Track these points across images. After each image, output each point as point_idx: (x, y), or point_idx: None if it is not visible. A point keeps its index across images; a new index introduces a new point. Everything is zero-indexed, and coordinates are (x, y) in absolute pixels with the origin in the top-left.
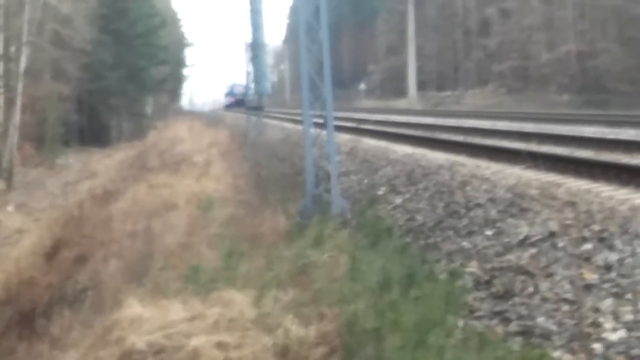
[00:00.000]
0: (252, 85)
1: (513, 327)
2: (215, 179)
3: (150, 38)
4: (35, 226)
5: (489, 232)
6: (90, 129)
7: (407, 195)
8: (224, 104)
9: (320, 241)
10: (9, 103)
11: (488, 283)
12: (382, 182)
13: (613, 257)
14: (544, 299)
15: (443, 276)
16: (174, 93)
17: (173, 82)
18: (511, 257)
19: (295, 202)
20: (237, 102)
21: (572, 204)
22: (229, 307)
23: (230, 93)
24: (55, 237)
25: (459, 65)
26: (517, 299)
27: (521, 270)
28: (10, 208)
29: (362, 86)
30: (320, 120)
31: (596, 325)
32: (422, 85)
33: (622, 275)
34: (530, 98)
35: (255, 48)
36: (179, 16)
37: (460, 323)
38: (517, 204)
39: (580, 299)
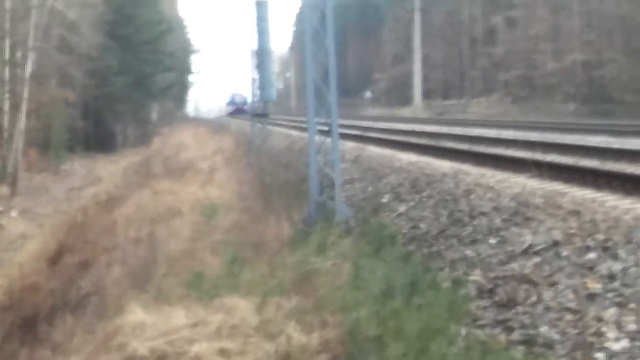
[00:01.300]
0: (257, 92)
1: (516, 335)
2: (219, 185)
3: (156, 44)
4: (39, 231)
5: (492, 241)
6: (96, 135)
7: (411, 203)
8: (226, 112)
9: (323, 248)
10: (15, 108)
11: (491, 292)
12: (386, 190)
13: (617, 266)
14: (547, 308)
15: (446, 284)
16: (180, 100)
17: (179, 89)
18: (515, 265)
19: (299, 209)
20: (237, 110)
21: (576, 213)
22: (232, 314)
23: (231, 102)
24: (59, 243)
25: (465, 73)
26: (520, 308)
27: (524, 279)
28: (14, 213)
29: (368, 94)
30: (325, 128)
31: (599, 334)
32: (427, 94)
33: (626, 285)
34: (536, 107)
35: (261, 55)
36: (186, 22)
37: (463, 331)
38: (521, 212)
39: (584, 308)
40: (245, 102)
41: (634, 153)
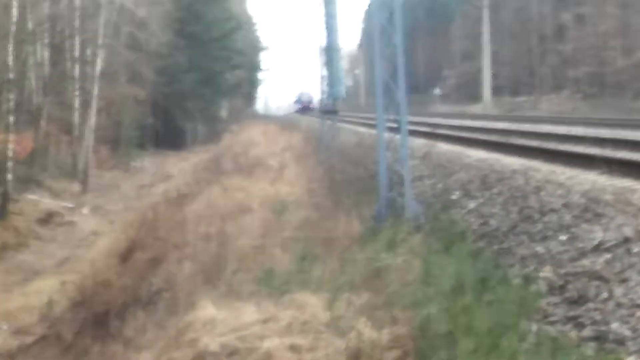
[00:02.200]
0: (326, 89)
1: (587, 332)
2: (289, 182)
3: (225, 42)
4: (110, 228)
5: (563, 237)
6: (165, 132)
7: (481, 200)
8: (294, 109)
9: (393, 245)
10: (85, 106)
11: (562, 288)
12: (455, 187)
13: None
14: (619, 305)
15: (516, 281)
16: (249, 97)
17: (248, 86)
18: (585, 262)
19: (369, 205)
20: (303, 109)
21: None
22: (302, 310)
23: (298, 100)
24: (130, 239)
25: (534, 70)
26: (591, 304)
27: (595, 276)
28: (85, 210)
29: (437, 91)
30: (395, 125)
31: None
32: (497, 91)
33: None
34: (606, 104)
35: (330, 52)
36: (254, 20)
37: (534, 328)
38: (591, 209)
39: None
40: (311, 101)
41: None
